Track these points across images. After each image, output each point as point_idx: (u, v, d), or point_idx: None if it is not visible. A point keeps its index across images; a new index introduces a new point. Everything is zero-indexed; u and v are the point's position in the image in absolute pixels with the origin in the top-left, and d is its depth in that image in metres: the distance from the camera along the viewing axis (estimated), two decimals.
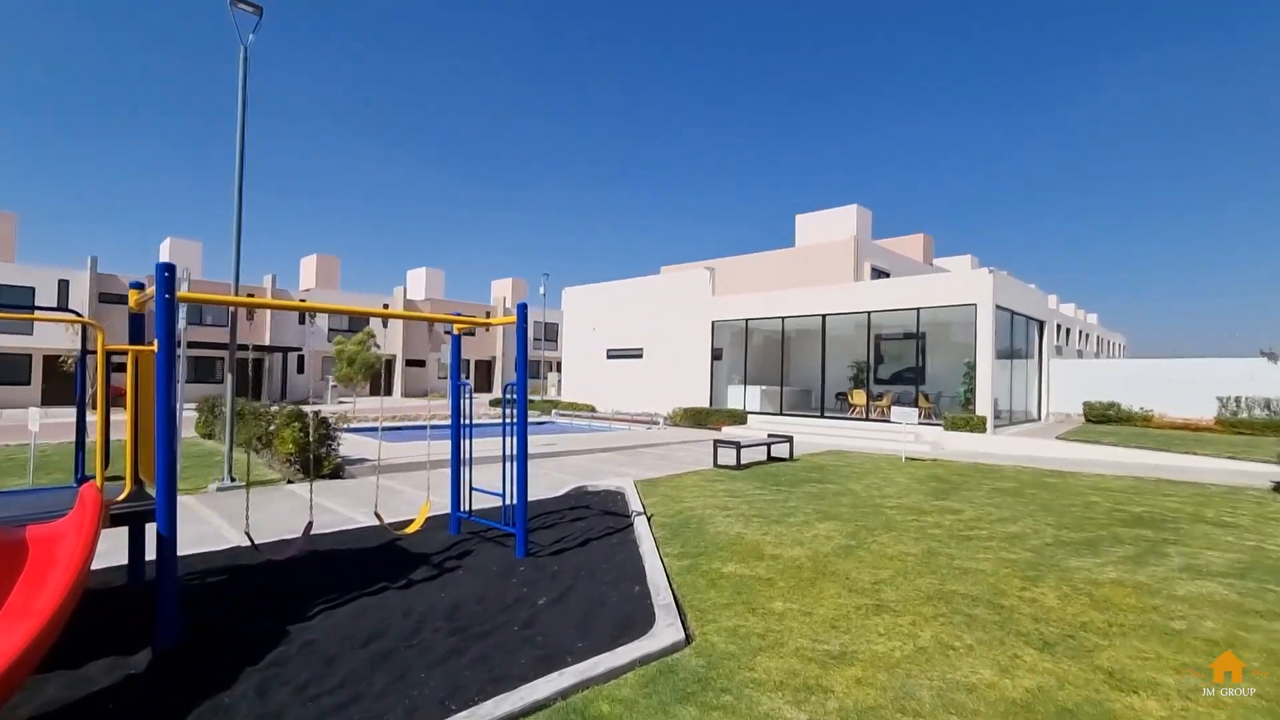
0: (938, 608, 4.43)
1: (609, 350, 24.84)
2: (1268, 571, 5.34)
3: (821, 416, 18.48)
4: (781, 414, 19.48)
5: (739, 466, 11.16)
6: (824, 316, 18.26)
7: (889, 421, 16.85)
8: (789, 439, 12.59)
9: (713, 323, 20.91)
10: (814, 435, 16.57)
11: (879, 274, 24.16)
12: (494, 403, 27.84)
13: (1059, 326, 32.59)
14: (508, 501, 5.89)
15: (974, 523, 7.14)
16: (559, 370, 32.52)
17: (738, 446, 11.23)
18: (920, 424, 15.01)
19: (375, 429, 16.79)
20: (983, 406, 15.00)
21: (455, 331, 6.32)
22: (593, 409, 23.98)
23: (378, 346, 18.42)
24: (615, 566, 5.37)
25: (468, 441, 6.22)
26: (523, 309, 5.48)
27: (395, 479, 9.63)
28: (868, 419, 17.60)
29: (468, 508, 6.35)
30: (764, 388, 20.46)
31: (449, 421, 6.34)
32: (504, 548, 5.86)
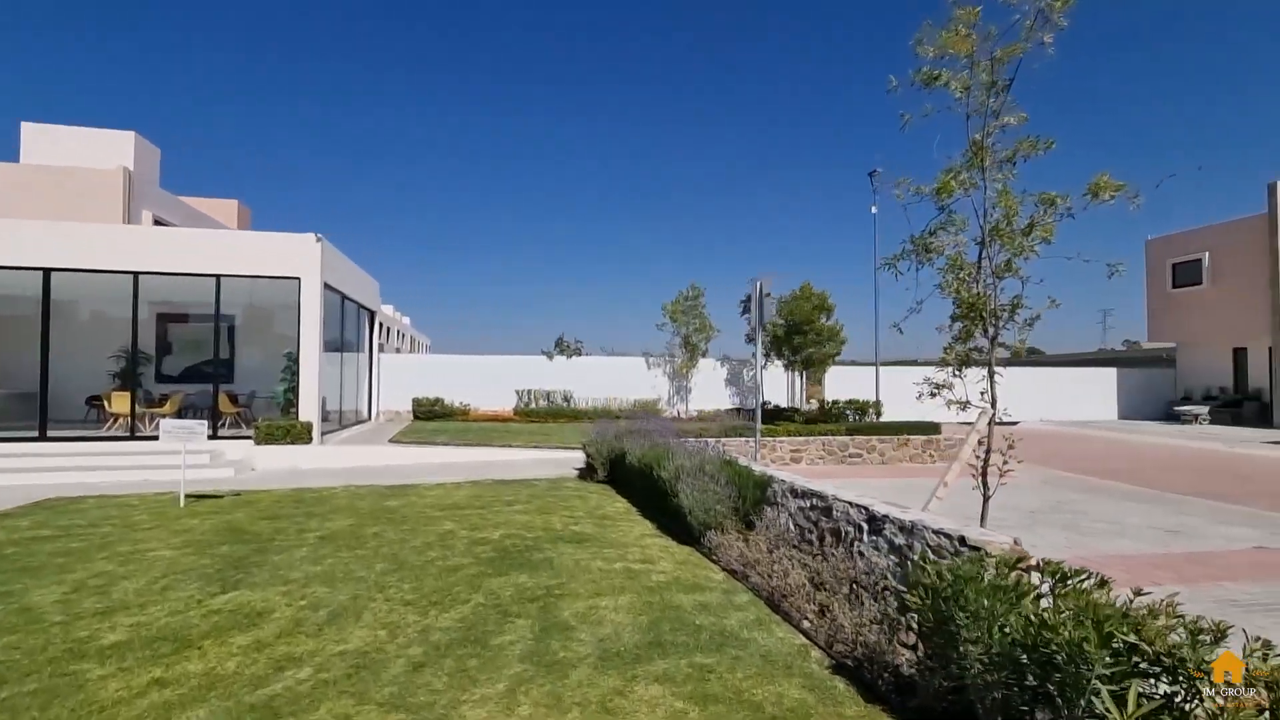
0: None
1: None
2: (676, 627, 4.13)
3: (42, 439, 11.20)
4: None
5: None
6: (47, 271, 11.06)
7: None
8: None
9: None
10: (22, 475, 9.56)
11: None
12: None
13: (382, 325, 32.92)
14: None
15: (285, 645, 3.79)
16: None
17: None
18: (225, 438, 10.55)
19: None
20: (308, 410, 11.81)
21: None
22: None
23: None
24: None
25: None
26: None
27: None
28: (135, 436, 11.64)
29: None
30: None
31: None
32: None
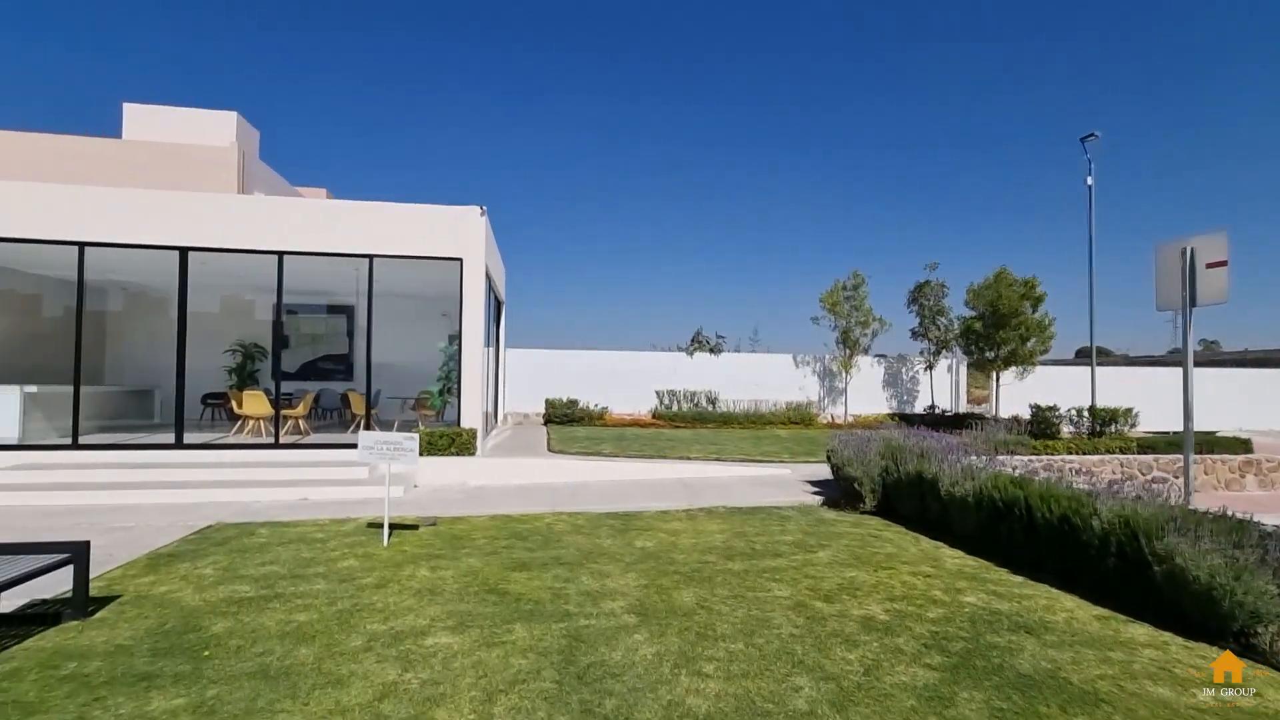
0: None
1: None
2: None
3: (179, 445, 9.65)
4: (77, 444, 9.47)
5: None
6: (185, 250, 9.45)
7: (316, 447, 9.98)
8: None
9: None
10: (151, 487, 7.98)
11: None
12: None
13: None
14: None
15: None
16: None
17: None
18: (404, 449, 8.81)
19: None
20: (471, 415, 10.00)
21: None
22: None
23: None
24: None
25: None
26: None
27: None
28: (280, 443, 10.02)
29: None
30: (35, 389, 9.81)
31: None
32: None
